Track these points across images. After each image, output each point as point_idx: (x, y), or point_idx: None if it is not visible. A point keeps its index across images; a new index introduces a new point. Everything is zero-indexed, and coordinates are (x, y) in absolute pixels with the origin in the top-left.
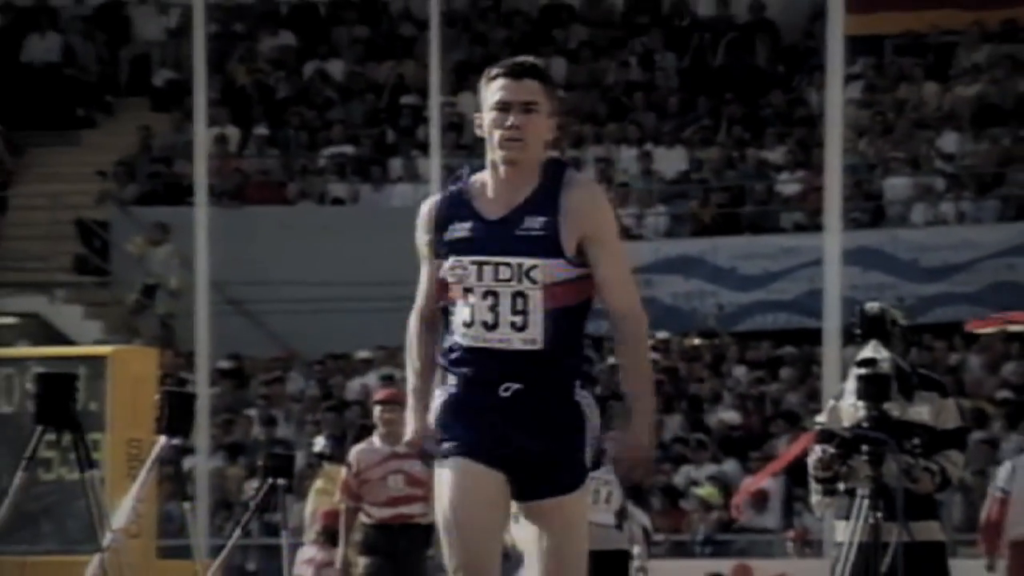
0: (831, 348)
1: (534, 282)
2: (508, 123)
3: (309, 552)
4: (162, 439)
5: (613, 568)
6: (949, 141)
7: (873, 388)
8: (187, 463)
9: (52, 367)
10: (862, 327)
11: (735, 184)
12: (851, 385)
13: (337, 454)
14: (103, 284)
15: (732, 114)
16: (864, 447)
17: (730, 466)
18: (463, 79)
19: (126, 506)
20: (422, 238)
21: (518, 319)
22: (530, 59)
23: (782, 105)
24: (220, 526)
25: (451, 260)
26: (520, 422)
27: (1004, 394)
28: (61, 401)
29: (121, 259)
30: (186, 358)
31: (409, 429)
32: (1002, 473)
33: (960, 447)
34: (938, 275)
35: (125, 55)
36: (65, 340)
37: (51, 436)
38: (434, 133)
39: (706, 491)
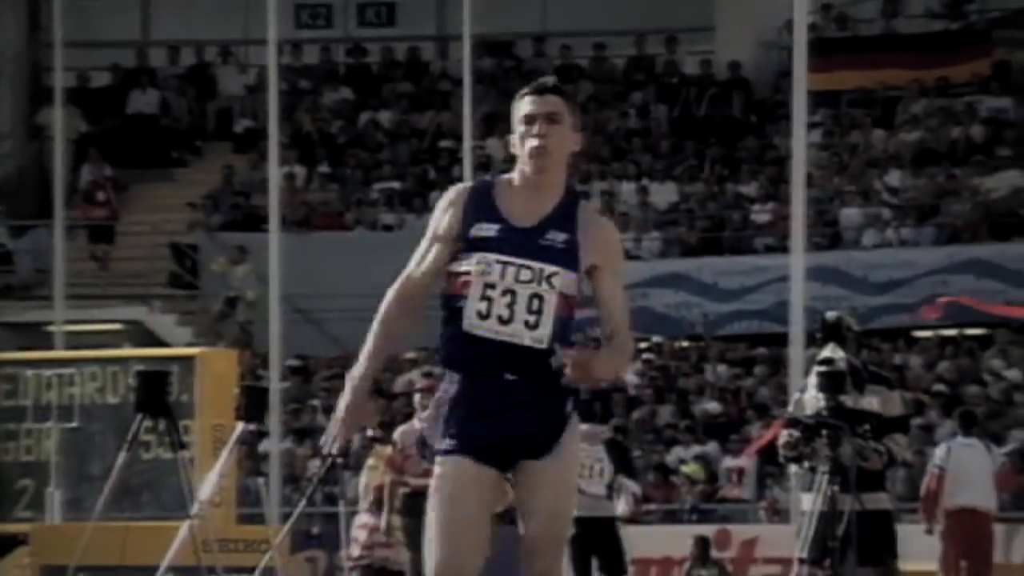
0: (796, 349)
1: (552, 287)
2: (534, 131)
3: (363, 519)
4: (241, 425)
5: (604, 532)
6: (894, 178)
7: (831, 382)
8: (261, 445)
9: (150, 365)
10: (822, 332)
11: (716, 213)
12: (813, 380)
13: (385, 438)
14: (192, 297)
15: (714, 155)
16: (824, 431)
17: (712, 447)
18: (491, 127)
19: (211, 480)
20: (443, 220)
21: (532, 318)
22: (552, 78)
23: (755, 148)
24: (288, 497)
25: (477, 256)
26: (517, 404)
27: (939, 387)
28: (157, 393)
29: (208, 276)
30: (261, 358)
31: (342, 405)
32: (939, 453)
33: (903, 431)
34: (884, 289)
35: (211, 107)
36: (161, 343)
37: (149, 423)
38: (467, 171)
39: (692, 468)
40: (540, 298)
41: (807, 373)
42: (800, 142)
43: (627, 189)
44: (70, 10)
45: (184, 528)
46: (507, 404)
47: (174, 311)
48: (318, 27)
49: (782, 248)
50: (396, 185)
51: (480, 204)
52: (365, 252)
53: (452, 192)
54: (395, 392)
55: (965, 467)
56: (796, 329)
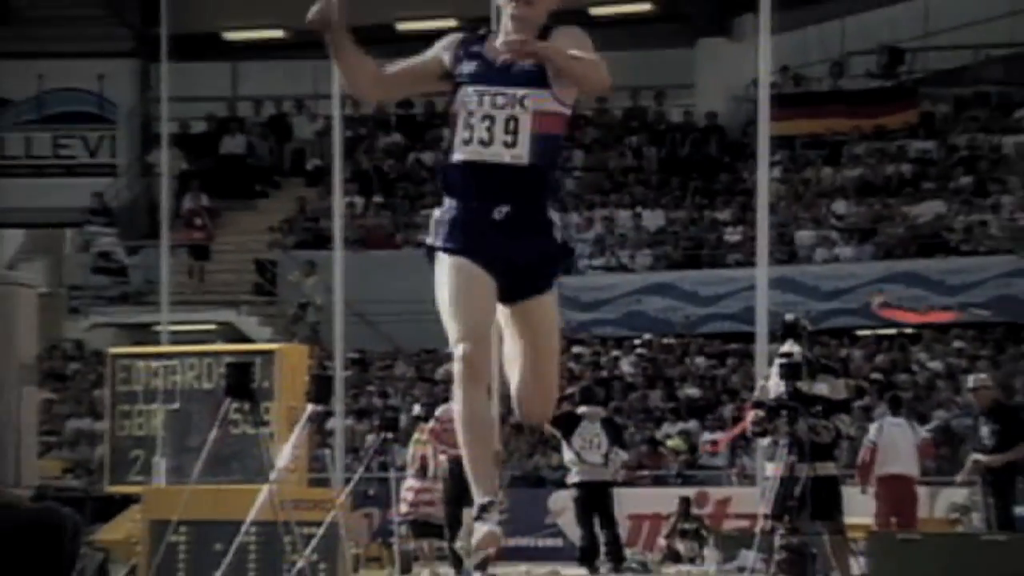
0: (761, 345)
1: (525, 108)
2: (515, 3)
3: (410, 482)
4: (311, 406)
5: (601, 493)
6: (840, 206)
7: (790, 372)
8: (328, 423)
9: (238, 358)
10: (782, 331)
11: (696, 235)
12: (775, 370)
13: (429, 416)
14: (272, 303)
15: (694, 188)
16: (784, 412)
17: (693, 424)
18: None
19: (286, 452)
20: (435, 49)
21: (509, 138)
22: None
23: (728, 182)
24: (349, 465)
25: (461, 91)
26: (510, 237)
27: (876, 376)
28: (243, 381)
29: (284, 286)
30: (327, 352)
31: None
32: (872, 430)
33: (847, 412)
34: (832, 296)
35: (288, 149)
36: (247, 340)
37: (236, 405)
38: None
39: (675, 442)
40: (515, 119)
41: (770, 364)
42: (764, 177)
43: (623, 215)
44: (174, 71)
45: (264, 490)
46: (501, 232)
47: (257, 314)
48: None
49: (749, 263)
50: (437, 212)
51: (468, 49)
52: (411, 266)
53: (450, 36)
54: (437, 379)
55: (894, 441)
56: (761, 329)
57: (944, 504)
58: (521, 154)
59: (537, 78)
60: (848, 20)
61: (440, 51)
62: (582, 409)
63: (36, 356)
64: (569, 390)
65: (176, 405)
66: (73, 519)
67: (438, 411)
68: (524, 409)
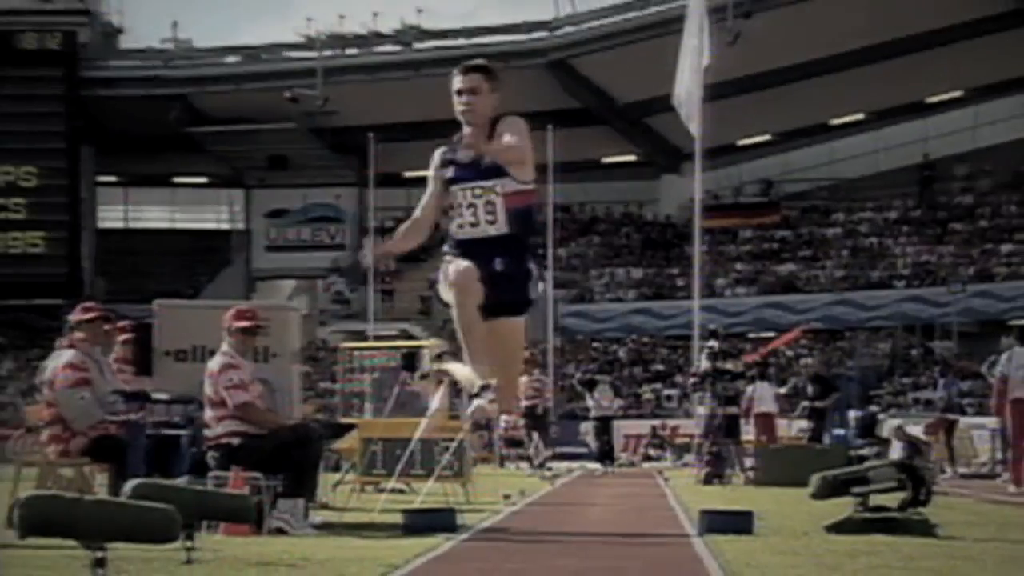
0: (696, 342)
1: (497, 193)
2: (462, 101)
3: (504, 417)
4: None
5: (607, 424)
6: (738, 265)
7: (712, 356)
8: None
9: (408, 349)
10: (707, 334)
11: (659, 282)
12: (704, 355)
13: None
14: (428, 319)
15: (659, 256)
16: (708, 379)
17: (658, 386)
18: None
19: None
20: (430, 173)
21: (490, 217)
22: (476, 61)
23: (677, 254)
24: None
25: (449, 189)
26: (500, 278)
27: (757, 360)
28: (411, 361)
29: (438, 310)
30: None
31: (370, 245)
32: (749, 389)
33: (743, 379)
34: (734, 315)
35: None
36: (414, 339)
37: (409, 374)
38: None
39: (648, 395)
40: (492, 203)
41: (701, 352)
42: (696, 250)
43: (620, 271)
44: (378, 195)
45: (424, 421)
46: (495, 275)
47: (420, 325)
48: None
49: (689, 297)
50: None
51: (444, 158)
52: None
53: (434, 155)
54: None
55: (763, 395)
56: (696, 333)
57: (795, 429)
58: (501, 227)
59: (499, 169)
60: (743, 165)
61: (433, 172)
62: (598, 376)
63: (300, 348)
64: (589, 366)
65: (376, 375)
66: (319, 433)
67: (522, 382)
68: (494, 402)
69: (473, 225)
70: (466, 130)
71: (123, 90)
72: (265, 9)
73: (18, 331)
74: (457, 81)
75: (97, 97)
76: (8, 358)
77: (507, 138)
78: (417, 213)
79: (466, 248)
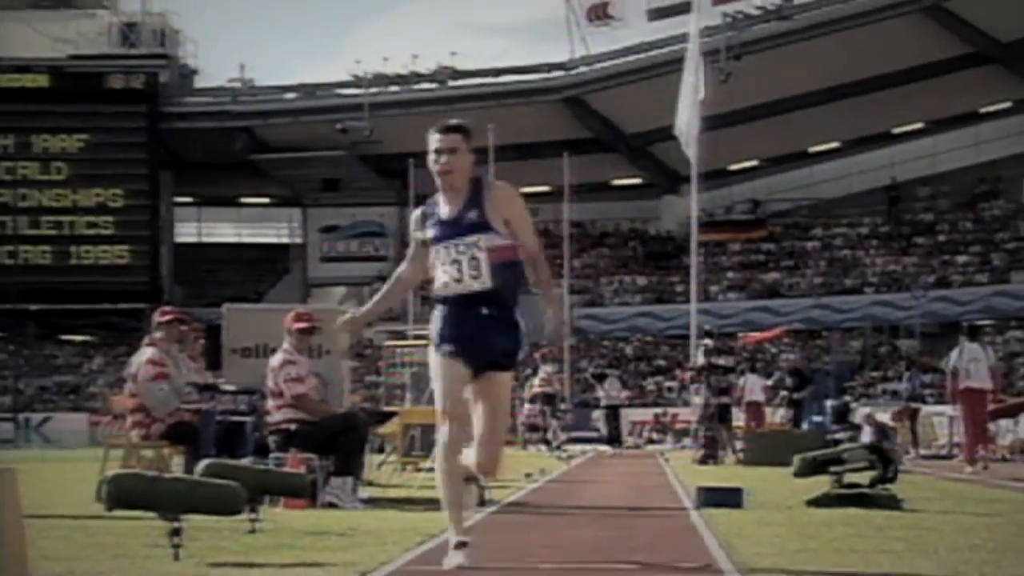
0: (693, 340)
1: (480, 249)
2: (440, 161)
3: (527, 407)
4: None
5: (616, 411)
6: (729, 274)
7: (707, 352)
8: None
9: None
10: (703, 334)
11: (660, 288)
12: (700, 352)
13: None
14: None
15: (661, 266)
16: (704, 372)
17: (660, 379)
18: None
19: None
20: (413, 231)
21: (474, 272)
22: (453, 120)
23: (677, 264)
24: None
25: (433, 248)
26: (488, 329)
27: (747, 355)
28: None
29: None
30: None
31: (347, 315)
32: (740, 381)
33: (734, 372)
34: (725, 318)
35: None
36: None
37: None
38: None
39: (651, 387)
40: (476, 258)
41: (697, 349)
42: (694, 261)
43: (627, 279)
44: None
45: None
46: (482, 326)
47: None
48: None
49: (687, 301)
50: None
51: (427, 216)
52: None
53: (413, 215)
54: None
55: (753, 386)
56: (693, 332)
57: (780, 416)
58: (485, 282)
59: (481, 225)
60: (734, 187)
61: (415, 231)
62: (608, 370)
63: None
64: (600, 362)
65: (415, 369)
66: (364, 419)
67: (541, 372)
68: (479, 458)
69: (457, 281)
70: (442, 189)
71: (197, 123)
72: (319, 52)
73: (107, 332)
74: (435, 140)
75: (175, 129)
76: (98, 355)
77: (530, 245)
78: (399, 272)
79: (452, 302)
